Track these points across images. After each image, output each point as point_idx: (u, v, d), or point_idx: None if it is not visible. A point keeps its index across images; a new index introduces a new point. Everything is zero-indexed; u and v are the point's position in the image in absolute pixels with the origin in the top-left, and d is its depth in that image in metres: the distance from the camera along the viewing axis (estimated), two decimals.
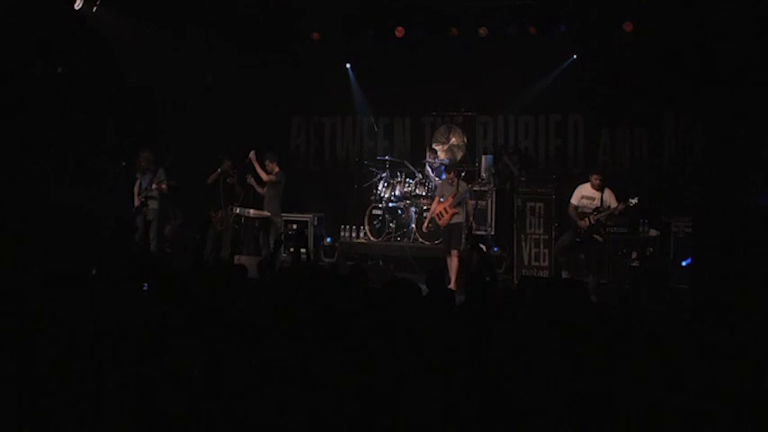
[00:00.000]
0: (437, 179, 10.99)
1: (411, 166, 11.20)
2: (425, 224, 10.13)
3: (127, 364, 3.61)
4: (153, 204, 10.05)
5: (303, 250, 6.77)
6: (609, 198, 8.89)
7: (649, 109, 10.84)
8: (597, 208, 8.89)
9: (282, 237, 9.80)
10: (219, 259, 9.52)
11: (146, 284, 5.02)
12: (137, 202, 10.04)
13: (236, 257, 9.46)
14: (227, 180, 10.24)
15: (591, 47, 10.66)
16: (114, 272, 5.16)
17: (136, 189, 10.10)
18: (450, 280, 9.15)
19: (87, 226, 9.13)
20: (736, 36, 9.57)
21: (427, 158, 11.18)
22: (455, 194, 9.47)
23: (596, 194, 8.97)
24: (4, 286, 4.70)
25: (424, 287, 4.96)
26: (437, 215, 9.68)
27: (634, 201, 8.73)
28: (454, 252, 9.34)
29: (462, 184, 9.66)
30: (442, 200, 9.71)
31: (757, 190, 9.45)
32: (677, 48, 10.07)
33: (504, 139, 11.75)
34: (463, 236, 9.36)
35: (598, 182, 9.02)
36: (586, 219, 8.91)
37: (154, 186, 9.98)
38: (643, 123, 11.08)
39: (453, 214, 9.46)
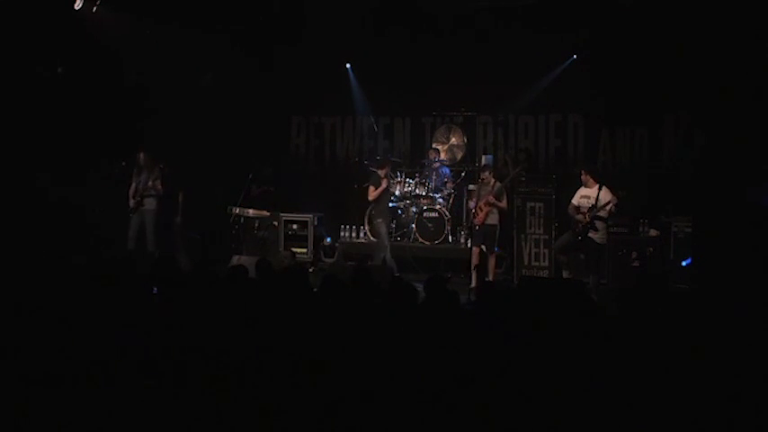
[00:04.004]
0: (436, 179, 10.98)
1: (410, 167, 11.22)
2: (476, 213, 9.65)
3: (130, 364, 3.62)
4: (150, 204, 9.96)
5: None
6: (604, 197, 8.89)
7: (649, 109, 10.83)
8: (592, 206, 8.89)
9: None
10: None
11: (155, 288, 5.02)
12: (132, 204, 9.97)
13: (237, 257, 9.49)
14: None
15: (591, 47, 10.65)
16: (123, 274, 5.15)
17: (131, 191, 10.00)
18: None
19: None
20: (736, 35, 9.55)
21: (428, 158, 11.17)
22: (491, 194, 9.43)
23: (593, 193, 8.97)
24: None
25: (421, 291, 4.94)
26: (474, 213, 9.57)
27: (622, 194, 8.79)
28: (491, 256, 9.40)
29: (498, 184, 9.57)
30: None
31: (758, 190, 9.44)
32: (677, 47, 10.05)
33: (504, 139, 11.77)
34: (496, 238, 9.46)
35: (584, 178, 9.08)
36: (582, 216, 8.91)
37: (150, 185, 9.91)
38: (643, 123, 11.08)
39: (488, 212, 9.40)
